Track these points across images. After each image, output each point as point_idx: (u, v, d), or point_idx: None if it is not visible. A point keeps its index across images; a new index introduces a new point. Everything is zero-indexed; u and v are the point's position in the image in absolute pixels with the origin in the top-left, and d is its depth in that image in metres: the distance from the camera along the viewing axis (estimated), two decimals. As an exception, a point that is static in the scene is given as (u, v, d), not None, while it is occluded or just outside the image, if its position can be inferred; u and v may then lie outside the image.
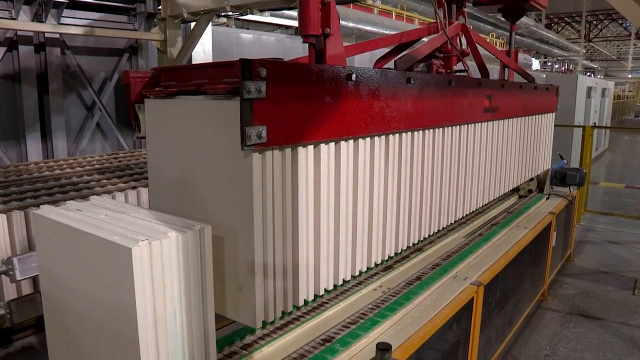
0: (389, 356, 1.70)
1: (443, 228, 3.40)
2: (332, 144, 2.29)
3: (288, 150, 2.05)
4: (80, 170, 5.77)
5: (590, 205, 9.17)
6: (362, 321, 2.72)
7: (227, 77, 2.17)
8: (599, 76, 49.34)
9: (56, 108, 7.48)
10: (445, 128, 3.20)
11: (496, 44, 27.35)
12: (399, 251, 2.89)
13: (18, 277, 3.08)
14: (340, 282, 2.45)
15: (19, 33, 6.93)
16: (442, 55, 3.79)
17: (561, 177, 6.29)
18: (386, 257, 2.78)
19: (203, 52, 8.50)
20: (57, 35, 7.32)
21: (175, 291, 1.66)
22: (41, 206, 2.00)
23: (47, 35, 7.22)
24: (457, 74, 3.97)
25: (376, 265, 2.71)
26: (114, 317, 1.66)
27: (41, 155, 7.41)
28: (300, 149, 2.10)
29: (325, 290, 2.37)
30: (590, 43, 42.98)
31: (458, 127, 3.36)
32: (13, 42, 6.97)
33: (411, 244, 3.00)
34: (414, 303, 3.00)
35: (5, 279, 3.94)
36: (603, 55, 53.09)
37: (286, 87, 1.96)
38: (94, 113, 8.08)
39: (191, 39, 7.22)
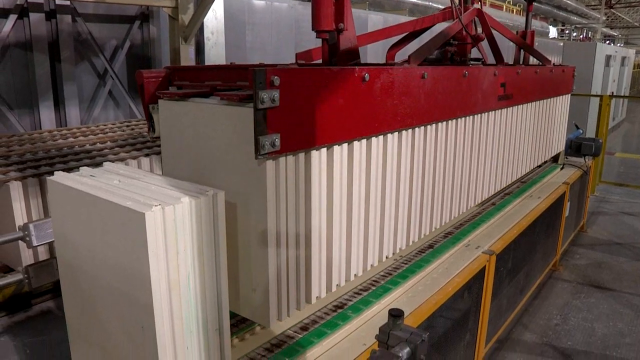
0: (401, 322, 1.71)
1: (454, 217, 3.40)
2: (345, 145, 2.29)
3: (301, 155, 2.06)
4: (93, 138, 5.80)
5: (605, 176, 9.07)
6: (373, 288, 2.74)
7: (240, 79, 2.16)
8: (618, 44, 48.14)
9: (68, 76, 7.49)
10: (459, 119, 3.16)
11: (512, 11, 26.74)
12: (410, 244, 2.91)
13: (34, 243, 3.13)
14: (352, 278, 2.49)
15: (29, 0, 6.89)
16: (456, 42, 3.72)
17: (576, 147, 6.20)
18: (397, 250, 2.80)
19: (215, 19, 8.43)
20: (68, 2, 7.26)
21: (188, 256, 1.67)
22: (55, 172, 2.01)
23: (57, 2, 7.17)
24: (472, 61, 3.90)
25: (387, 257, 2.73)
26: (129, 281, 1.68)
27: (54, 124, 7.45)
28: (314, 152, 2.11)
29: (337, 286, 2.41)
30: (612, 9, 41.72)
31: (471, 117, 3.32)
32: (24, 10, 6.94)
33: (422, 236, 3.01)
34: (426, 271, 3.01)
35: (23, 245, 4.01)
36: (624, 22, 51.59)
37: (300, 93, 1.96)
38: (106, 81, 8.08)
39: (203, 5, 7.12)
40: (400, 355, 1.64)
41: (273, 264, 2.00)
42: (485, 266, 3.27)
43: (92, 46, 7.85)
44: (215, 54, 8.03)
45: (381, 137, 2.48)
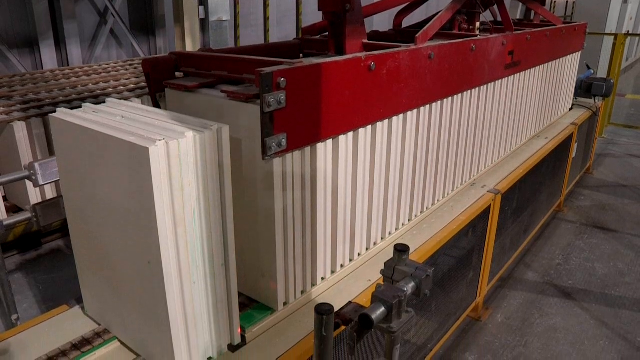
0: (407, 257, 1.72)
1: (458, 187, 3.39)
2: (350, 134, 2.27)
3: (307, 149, 2.06)
4: (96, 77, 5.71)
5: (614, 118, 8.94)
6: (379, 226, 2.75)
7: (246, 72, 2.12)
8: (635, -18, 46.13)
9: (68, 14, 7.29)
10: (464, 93, 3.09)
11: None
12: (414, 218, 2.92)
13: (40, 182, 3.13)
14: (356, 257, 2.51)
15: None
16: (465, 10, 3.57)
17: (587, 87, 6.07)
18: (400, 227, 2.81)
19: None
20: None
21: (193, 191, 1.66)
22: (58, 109, 1.98)
23: None
24: (480, 30, 3.76)
25: (390, 234, 2.75)
26: (134, 217, 1.68)
27: (56, 63, 7.32)
28: (320, 145, 2.10)
29: (341, 265, 2.44)
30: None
31: (477, 89, 3.24)
32: (19, -57, 6.69)
33: (425, 209, 3.02)
34: (431, 209, 3.02)
35: (30, 185, 4.04)
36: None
37: (306, 91, 1.94)
38: (107, 19, 7.87)
39: (203, -62, 6.84)
40: (405, 289, 1.65)
41: (280, 249, 2.05)
42: (490, 205, 3.28)
43: (91, -18, 7.61)
44: (218, -11, 7.76)
45: (386, 120, 2.46)
